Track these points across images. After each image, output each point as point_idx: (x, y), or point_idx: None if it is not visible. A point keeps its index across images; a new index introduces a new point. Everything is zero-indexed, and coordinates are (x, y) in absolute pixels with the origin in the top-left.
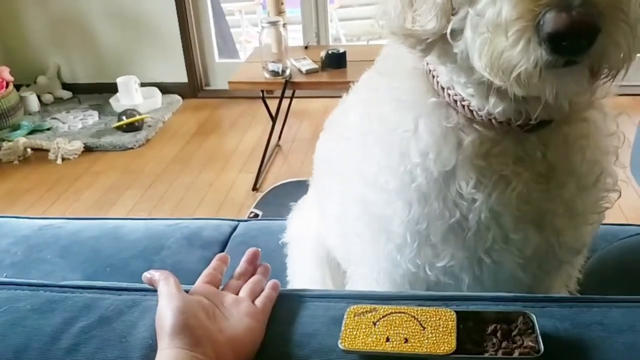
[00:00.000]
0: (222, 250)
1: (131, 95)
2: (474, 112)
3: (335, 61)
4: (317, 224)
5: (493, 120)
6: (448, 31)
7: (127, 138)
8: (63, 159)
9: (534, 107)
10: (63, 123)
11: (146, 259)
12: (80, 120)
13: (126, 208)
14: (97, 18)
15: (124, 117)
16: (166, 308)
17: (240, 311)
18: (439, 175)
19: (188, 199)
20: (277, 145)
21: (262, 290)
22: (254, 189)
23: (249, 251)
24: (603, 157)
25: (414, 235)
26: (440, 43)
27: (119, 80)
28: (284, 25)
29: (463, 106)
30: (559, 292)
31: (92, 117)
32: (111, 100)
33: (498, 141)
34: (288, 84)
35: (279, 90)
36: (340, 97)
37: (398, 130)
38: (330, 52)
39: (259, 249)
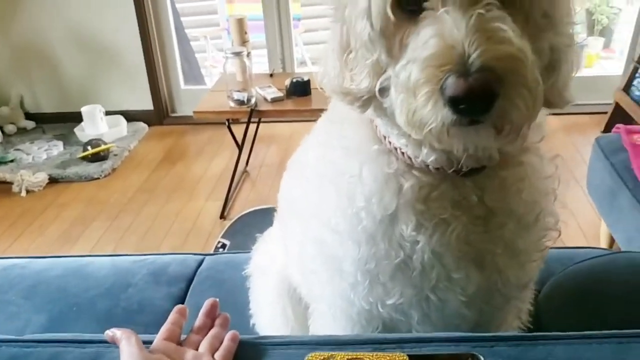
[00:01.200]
0: (189, 286)
1: (96, 124)
2: (412, 159)
3: (300, 89)
4: (281, 257)
5: (430, 167)
6: (376, 89)
7: (92, 168)
8: (27, 192)
9: (459, 157)
10: (27, 154)
11: (113, 297)
12: (45, 151)
13: (92, 241)
14: (60, 46)
15: (89, 147)
16: None
17: None
18: (382, 218)
19: (155, 229)
20: (245, 171)
21: (221, 343)
22: (222, 217)
23: (207, 303)
24: (542, 197)
25: (365, 274)
26: (374, 99)
27: (84, 110)
28: (248, 54)
29: (402, 153)
30: (512, 324)
31: (57, 148)
32: (76, 130)
33: (436, 186)
34: (253, 112)
35: (246, 118)
36: (306, 121)
37: (346, 175)
38: (294, 80)
39: (217, 300)
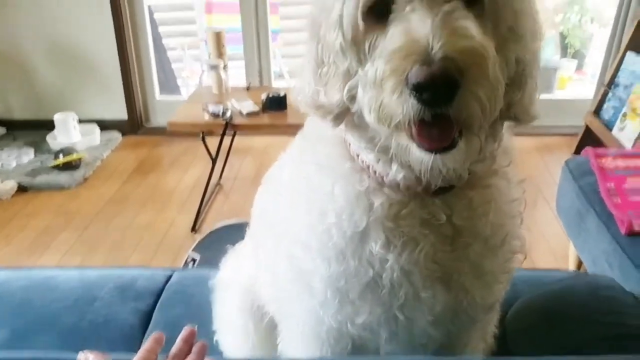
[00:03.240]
0: (156, 301)
1: (69, 132)
2: (383, 177)
3: (276, 104)
4: (247, 271)
5: (400, 185)
6: (345, 95)
7: (63, 177)
8: None
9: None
10: None
11: (78, 311)
12: (15, 159)
13: (60, 252)
14: (35, 53)
15: (60, 156)
16: None
17: None
18: (352, 235)
19: (124, 241)
20: (218, 183)
21: None
22: (193, 230)
23: (186, 330)
24: (508, 220)
25: (335, 292)
26: (347, 114)
27: (57, 117)
28: (225, 67)
29: (374, 171)
30: (477, 347)
31: (28, 155)
32: (48, 138)
33: (406, 204)
34: (228, 125)
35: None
36: (282, 134)
37: (318, 192)
38: (271, 95)
39: (195, 329)
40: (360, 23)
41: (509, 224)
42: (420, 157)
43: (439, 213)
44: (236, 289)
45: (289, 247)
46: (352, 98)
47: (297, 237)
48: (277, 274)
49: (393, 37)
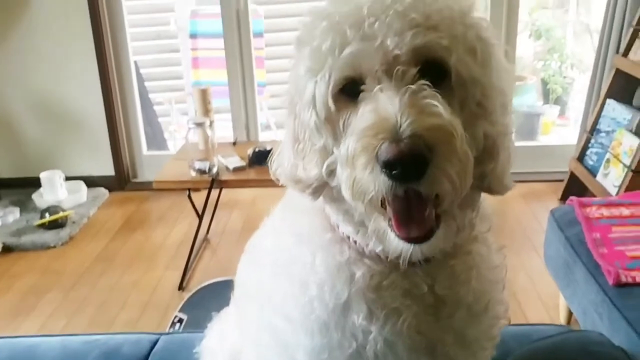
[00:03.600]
0: None
1: (55, 190)
2: (364, 248)
3: (263, 158)
4: (232, 338)
5: (380, 255)
6: (323, 171)
7: (49, 236)
8: None
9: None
10: None
11: None
12: (0, 218)
13: (45, 313)
14: (20, 109)
15: (47, 214)
16: None
17: None
18: (335, 307)
19: (111, 301)
20: (206, 239)
21: None
22: (180, 288)
23: None
24: (491, 286)
25: None
26: (325, 187)
27: (43, 175)
28: (211, 124)
29: (355, 242)
30: None
31: (13, 214)
32: (34, 196)
33: (387, 275)
34: (215, 181)
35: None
36: (270, 186)
37: (299, 263)
38: (257, 149)
39: None
40: (331, 105)
41: (492, 289)
42: (398, 245)
43: (421, 283)
44: (220, 357)
45: (272, 318)
46: (331, 173)
47: (280, 308)
48: (260, 346)
49: (363, 115)
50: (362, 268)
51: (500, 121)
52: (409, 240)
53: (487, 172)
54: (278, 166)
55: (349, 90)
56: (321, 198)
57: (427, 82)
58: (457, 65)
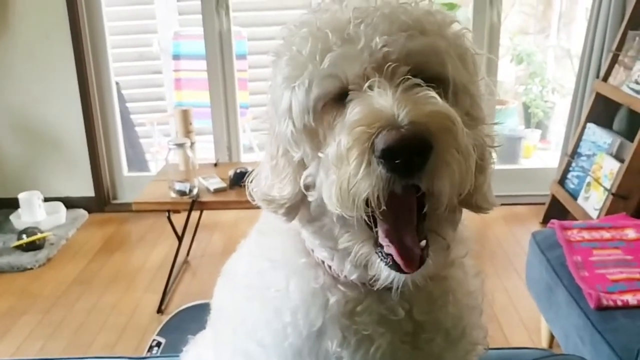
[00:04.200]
0: None
1: (34, 211)
2: (339, 274)
3: (243, 180)
4: None
5: (357, 282)
6: (301, 183)
7: (26, 258)
8: None
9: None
10: None
11: None
12: None
13: (21, 336)
14: None
15: (24, 236)
16: None
17: None
18: (309, 334)
19: (89, 324)
20: (186, 261)
21: None
22: (159, 311)
23: None
24: (468, 311)
25: None
26: (299, 208)
27: (21, 196)
28: (192, 145)
29: (329, 267)
30: None
31: None
32: (12, 217)
33: (361, 300)
34: (195, 203)
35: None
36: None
37: (272, 288)
38: (238, 170)
39: None
40: (311, 114)
41: (469, 315)
42: (387, 275)
43: (397, 308)
44: None
45: (244, 343)
46: (309, 187)
47: (253, 333)
48: None
49: (354, 110)
50: (336, 294)
51: (488, 132)
52: (402, 270)
53: (477, 185)
54: (255, 186)
55: (336, 97)
56: (296, 220)
57: (420, 80)
58: (453, 72)
